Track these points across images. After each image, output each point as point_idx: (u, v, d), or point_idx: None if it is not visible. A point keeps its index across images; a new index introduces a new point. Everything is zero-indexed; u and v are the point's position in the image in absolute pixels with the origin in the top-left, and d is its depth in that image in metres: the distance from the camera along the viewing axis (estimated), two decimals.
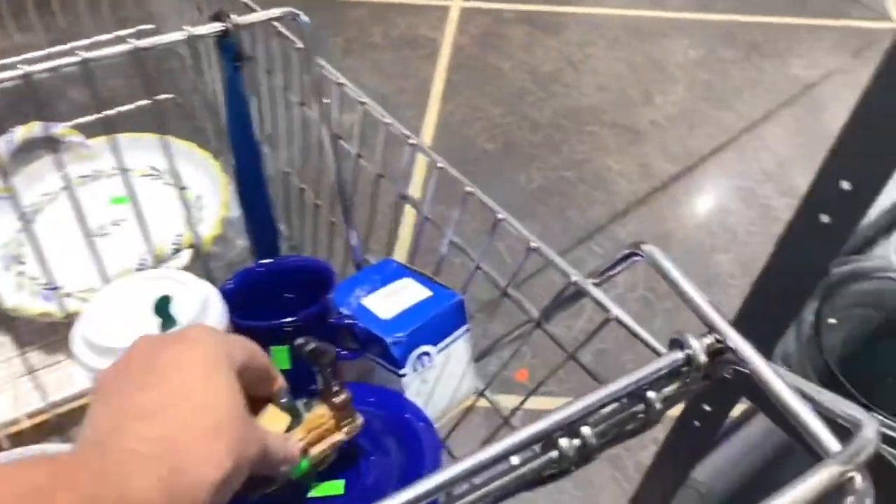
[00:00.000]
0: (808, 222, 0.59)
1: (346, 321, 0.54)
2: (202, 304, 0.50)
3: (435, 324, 0.55)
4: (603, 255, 1.67)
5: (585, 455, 0.34)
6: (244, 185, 0.68)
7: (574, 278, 0.44)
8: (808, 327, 0.76)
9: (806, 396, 0.33)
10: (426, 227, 0.60)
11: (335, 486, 0.50)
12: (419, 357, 0.55)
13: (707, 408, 0.80)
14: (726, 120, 2.02)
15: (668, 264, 0.38)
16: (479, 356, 0.61)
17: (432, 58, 2.19)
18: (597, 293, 0.43)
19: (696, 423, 0.83)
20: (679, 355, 0.35)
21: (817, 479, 0.29)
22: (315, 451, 0.44)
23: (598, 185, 1.84)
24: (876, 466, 0.66)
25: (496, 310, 0.54)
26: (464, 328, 0.57)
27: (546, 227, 1.73)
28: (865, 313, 0.82)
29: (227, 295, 0.54)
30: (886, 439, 0.69)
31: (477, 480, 0.33)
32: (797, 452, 1.15)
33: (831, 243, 0.59)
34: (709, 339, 0.36)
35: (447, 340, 0.57)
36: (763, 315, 0.68)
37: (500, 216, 0.50)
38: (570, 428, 0.34)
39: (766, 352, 0.71)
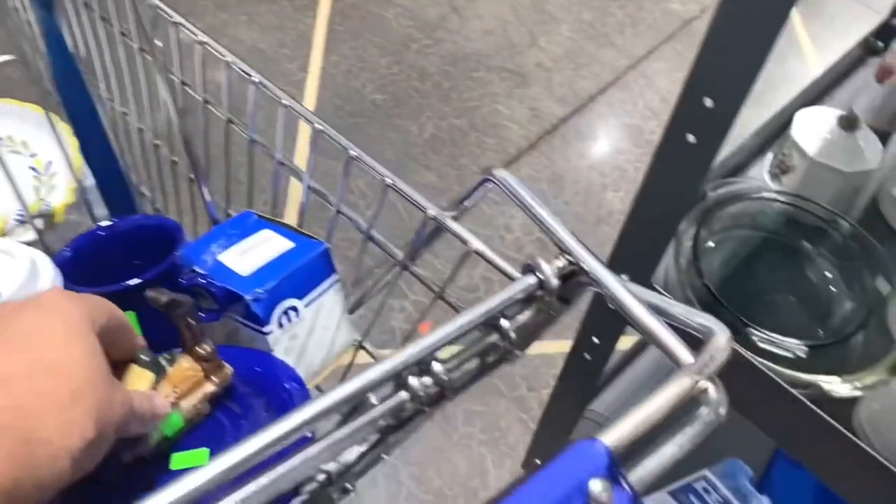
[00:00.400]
0: (675, 143, 0.59)
1: (200, 280, 0.50)
2: (29, 273, 0.45)
3: (299, 276, 0.52)
4: (496, 199, 1.67)
5: (440, 392, 0.32)
6: (85, 144, 0.62)
7: (431, 213, 0.41)
8: (687, 252, 0.77)
9: (658, 310, 0.31)
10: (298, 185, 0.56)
11: (199, 456, 0.47)
12: (285, 312, 0.52)
13: (595, 340, 0.81)
14: (610, 58, 2.04)
15: (520, 189, 0.36)
16: (354, 307, 0.59)
17: (311, 8, 2.10)
18: (454, 226, 0.41)
19: (587, 356, 0.84)
20: (531, 280, 0.33)
21: (671, 392, 0.28)
22: (186, 403, 0.43)
23: (489, 131, 1.83)
24: (760, 383, 0.67)
25: (363, 256, 0.51)
26: (332, 278, 0.54)
27: (441, 176, 1.70)
28: (742, 234, 0.84)
29: (65, 262, 0.49)
30: (767, 355, 0.71)
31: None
32: None
33: (699, 162, 0.59)
34: (561, 262, 0.34)
35: (315, 293, 0.53)
36: (641, 240, 0.68)
37: (352, 153, 0.47)
38: (420, 365, 0.31)
39: (646, 276, 0.71)
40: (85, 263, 0.50)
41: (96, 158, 0.66)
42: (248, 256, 0.53)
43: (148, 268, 0.49)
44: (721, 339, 0.29)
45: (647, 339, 0.30)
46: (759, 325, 0.73)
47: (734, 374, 0.71)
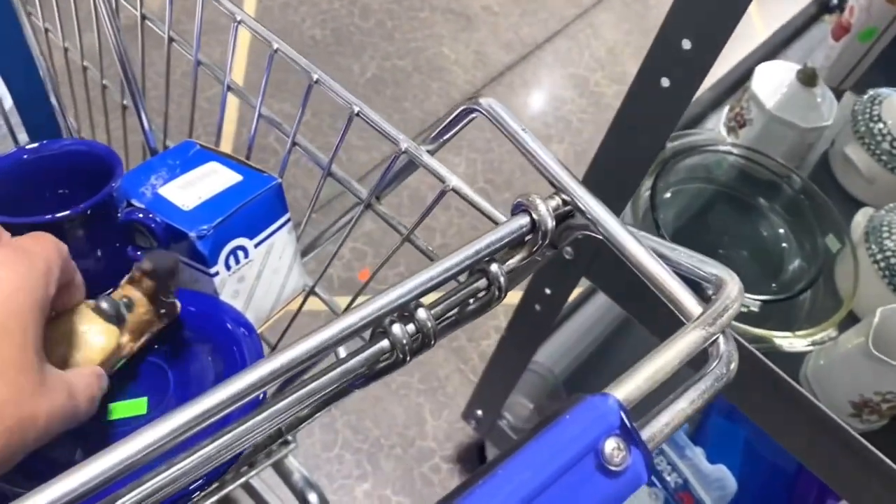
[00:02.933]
0: (649, 87, 0.56)
1: (138, 215, 0.45)
2: None
3: (249, 213, 0.48)
4: (463, 144, 1.63)
5: (423, 340, 0.29)
6: (3, 63, 0.56)
7: (404, 146, 0.38)
8: (645, 202, 0.75)
9: (663, 257, 0.29)
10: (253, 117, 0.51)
11: (137, 406, 0.43)
12: (233, 252, 0.47)
13: (548, 291, 0.79)
14: (558, 6, 2.00)
15: (509, 119, 0.33)
16: (307, 250, 0.55)
17: None
18: (430, 161, 0.37)
19: (537, 307, 0.82)
20: (524, 220, 0.30)
21: (682, 345, 0.26)
22: (136, 346, 0.40)
23: (433, 74, 1.77)
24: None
25: (320, 194, 0.47)
26: (284, 217, 0.50)
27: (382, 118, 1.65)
28: (697, 187, 0.83)
29: None
30: None
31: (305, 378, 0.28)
32: (633, 329, 1.19)
33: (673, 107, 0.56)
34: (555, 201, 0.31)
35: (266, 232, 0.49)
36: (607, 186, 0.66)
37: (315, 77, 0.42)
38: (402, 311, 0.28)
39: None
40: (5, 189, 0.44)
41: (16, 80, 0.59)
42: (191, 190, 0.48)
43: (78, 198, 0.43)
44: (733, 288, 0.27)
45: (653, 288, 0.28)
46: None
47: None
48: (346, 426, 1.25)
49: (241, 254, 0.48)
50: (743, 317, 0.71)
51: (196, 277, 0.48)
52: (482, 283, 0.30)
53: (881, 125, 0.82)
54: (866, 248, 0.74)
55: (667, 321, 0.27)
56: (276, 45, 0.43)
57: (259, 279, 0.50)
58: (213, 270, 0.47)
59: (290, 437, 0.70)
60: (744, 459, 1.11)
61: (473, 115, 0.34)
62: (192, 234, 0.45)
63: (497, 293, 0.31)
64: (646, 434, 0.24)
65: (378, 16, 1.86)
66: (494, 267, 0.30)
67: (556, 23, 1.95)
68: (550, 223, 0.30)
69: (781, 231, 0.81)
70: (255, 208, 0.48)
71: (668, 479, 1.05)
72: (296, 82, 1.61)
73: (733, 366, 0.26)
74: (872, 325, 0.65)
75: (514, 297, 0.97)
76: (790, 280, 0.76)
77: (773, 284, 0.76)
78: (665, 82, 0.55)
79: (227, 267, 0.47)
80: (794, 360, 0.72)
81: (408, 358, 0.28)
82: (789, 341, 0.70)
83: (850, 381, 0.67)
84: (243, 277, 0.49)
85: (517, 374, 0.94)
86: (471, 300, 0.32)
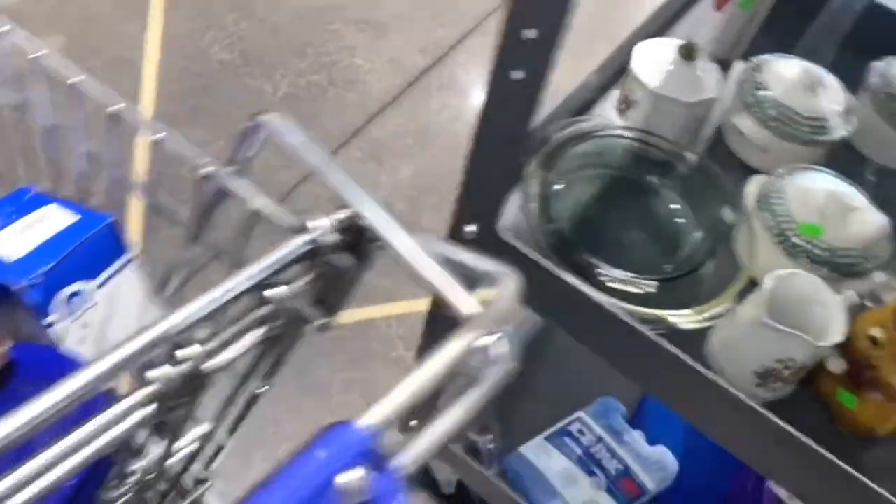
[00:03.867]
0: (502, 82, 0.55)
1: None
2: None
3: (83, 254, 0.45)
4: (361, 157, 1.61)
5: (196, 382, 0.27)
6: None
7: (205, 170, 0.36)
8: (535, 196, 0.74)
9: (448, 261, 0.27)
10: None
11: None
12: (70, 298, 0.45)
13: None
14: (470, 6, 1.99)
15: (291, 134, 0.31)
16: (161, 286, 0.52)
17: None
18: (234, 182, 0.35)
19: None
20: (303, 238, 0.29)
21: (449, 352, 0.24)
22: None
23: (349, 86, 1.75)
24: (611, 323, 0.65)
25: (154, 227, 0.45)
26: (126, 255, 0.48)
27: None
28: (591, 173, 0.82)
29: None
30: (619, 294, 0.70)
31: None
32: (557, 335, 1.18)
33: (529, 98, 0.55)
34: (340, 215, 0.29)
35: (106, 273, 0.47)
36: (482, 188, 0.65)
37: (111, 109, 0.40)
38: (170, 347, 0.26)
39: (490, 224, 0.68)
40: None
41: None
42: (23, 237, 0.46)
43: None
44: (509, 286, 0.26)
45: (429, 292, 0.27)
46: (612, 264, 0.72)
47: (587, 316, 0.69)
48: (263, 460, 1.22)
49: (77, 299, 0.45)
50: (642, 299, 0.70)
51: (35, 329, 0.45)
52: (266, 309, 0.29)
53: (766, 92, 0.82)
54: (759, 216, 0.74)
55: None
56: (73, 80, 0.40)
57: (108, 322, 0.48)
58: (48, 321, 0.44)
59: (204, 476, 0.67)
60: (686, 438, 1.11)
61: (260, 133, 0.33)
62: (21, 286, 0.43)
63: (293, 317, 0.29)
64: (400, 460, 0.22)
65: (288, 32, 1.84)
66: (279, 290, 0.29)
67: (470, 21, 1.95)
68: (332, 237, 0.29)
69: (678, 209, 0.80)
70: (89, 250, 0.46)
71: (608, 466, 1.05)
72: (214, 108, 1.58)
73: (509, 366, 0.25)
74: (763, 293, 0.65)
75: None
76: (689, 257, 0.76)
77: (674, 264, 0.76)
78: (517, 74, 0.54)
79: (67, 313, 0.45)
80: (699, 337, 0.72)
81: (174, 405, 0.26)
82: (688, 318, 0.69)
83: (751, 352, 0.66)
84: (88, 323, 0.46)
85: None
86: (280, 328, 0.30)
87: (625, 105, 0.84)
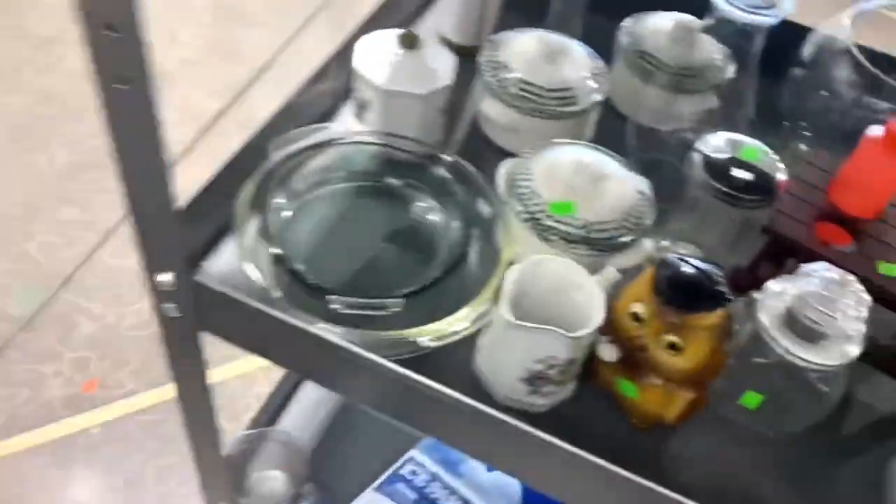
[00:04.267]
0: (113, 99, 0.44)
1: None
2: None
3: None
4: None
5: None
6: None
7: None
8: (255, 230, 0.64)
9: None
10: None
11: None
12: None
13: (183, 367, 0.66)
14: (258, 41, 1.89)
15: None
16: None
17: None
18: None
19: (188, 387, 0.69)
20: None
21: None
22: None
23: None
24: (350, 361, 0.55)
25: None
26: None
27: (86, 208, 1.47)
28: (330, 190, 0.73)
29: None
30: (357, 321, 0.60)
31: None
32: None
33: (144, 112, 0.45)
34: None
35: None
36: (157, 231, 0.54)
37: None
38: None
39: (188, 274, 0.57)
40: None
41: None
42: None
43: None
44: None
45: None
46: (354, 288, 0.62)
47: (324, 359, 0.59)
48: None
49: None
50: (386, 320, 0.60)
51: None
52: None
53: (505, 71, 0.75)
54: (509, 202, 0.66)
55: None
56: None
57: None
58: None
59: None
60: None
61: None
62: None
63: None
64: None
65: (62, 99, 1.67)
66: None
67: (262, 57, 1.84)
68: None
69: (432, 211, 0.72)
70: None
71: None
72: None
73: None
74: (506, 289, 0.56)
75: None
76: (446, 262, 0.67)
77: (430, 273, 0.67)
78: (122, 87, 0.44)
79: None
80: (468, 349, 0.63)
81: None
82: (443, 332, 0.60)
83: (509, 358, 0.58)
84: None
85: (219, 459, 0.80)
86: None
87: (359, 108, 0.75)
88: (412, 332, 0.59)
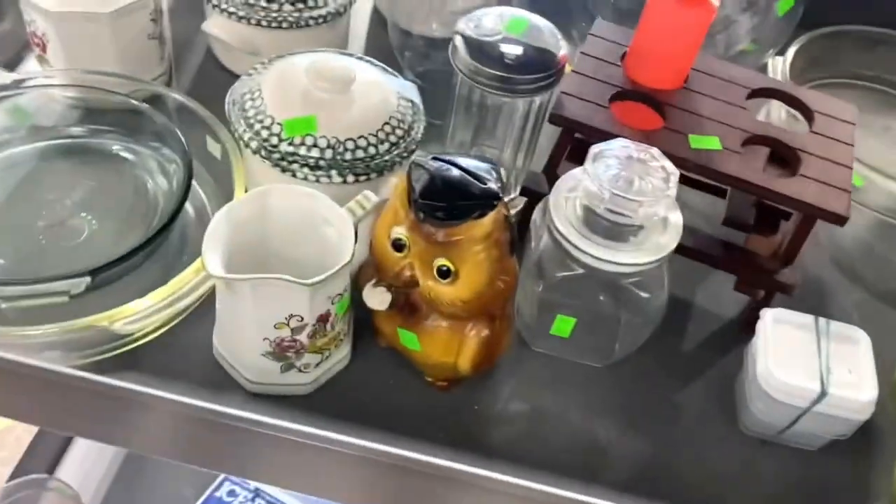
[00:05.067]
0: None
1: None
2: None
3: None
4: None
5: None
6: None
7: None
8: None
9: None
10: None
11: None
12: None
13: None
14: None
15: None
16: None
17: None
18: None
19: None
20: None
21: None
22: None
23: None
24: None
25: None
26: None
27: None
28: (6, 150, 0.55)
29: None
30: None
31: None
32: None
33: None
34: None
35: None
36: None
37: None
38: None
39: None
40: None
41: None
42: None
43: None
44: None
45: None
46: (32, 272, 0.45)
47: None
48: None
49: None
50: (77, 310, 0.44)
51: None
52: None
53: None
54: (236, 129, 0.51)
55: None
56: None
57: None
58: None
59: None
60: None
61: None
62: None
63: None
64: None
65: None
66: None
67: None
68: None
69: (142, 165, 0.55)
70: None
71: None
72: None
73: None
74: (209, 236, 0.41)
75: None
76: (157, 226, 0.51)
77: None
78: None
79: None
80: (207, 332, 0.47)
81: None
82: (152, 303, 0.44)
83: (243, 329, 0.43)
84: None
85: None
86: None
87: (38, 46, 0.58)
88: (101, 318, 0.42)
